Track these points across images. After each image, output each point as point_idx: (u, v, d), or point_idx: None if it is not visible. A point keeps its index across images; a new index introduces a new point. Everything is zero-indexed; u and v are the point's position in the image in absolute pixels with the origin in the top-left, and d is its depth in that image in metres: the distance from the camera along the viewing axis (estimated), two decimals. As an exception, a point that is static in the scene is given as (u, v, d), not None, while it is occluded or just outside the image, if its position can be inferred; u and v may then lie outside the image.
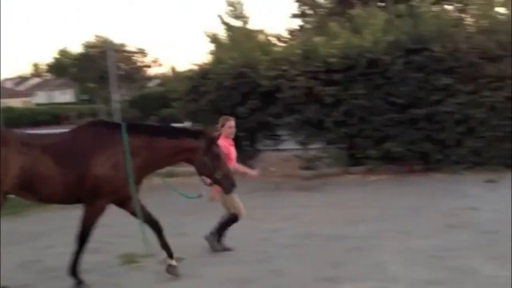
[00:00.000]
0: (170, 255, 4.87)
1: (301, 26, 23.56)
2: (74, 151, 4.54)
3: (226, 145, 5.52)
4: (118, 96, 22.25)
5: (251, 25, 20.61)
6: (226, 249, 5.69)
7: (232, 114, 7.54)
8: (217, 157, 4.78)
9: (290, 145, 11.55)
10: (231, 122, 5.75)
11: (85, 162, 4.47)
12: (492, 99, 9.71)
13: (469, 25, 10.28)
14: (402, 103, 10.01)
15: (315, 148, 11.09)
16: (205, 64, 11.98)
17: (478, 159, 9.87)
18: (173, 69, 15.51)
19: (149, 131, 4.87)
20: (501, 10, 10.91)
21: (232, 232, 5.76)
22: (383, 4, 11.14)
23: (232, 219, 5.68)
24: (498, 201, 7.55)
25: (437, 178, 9.68)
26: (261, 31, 15.90)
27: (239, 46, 11.56)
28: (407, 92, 9.97)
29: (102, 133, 4.70)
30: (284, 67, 10.39)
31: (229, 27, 18.95)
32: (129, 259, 5.48)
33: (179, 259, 5.01)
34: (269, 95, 10.43)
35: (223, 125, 5.68)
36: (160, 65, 43.98)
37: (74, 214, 4.84)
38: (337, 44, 10.40)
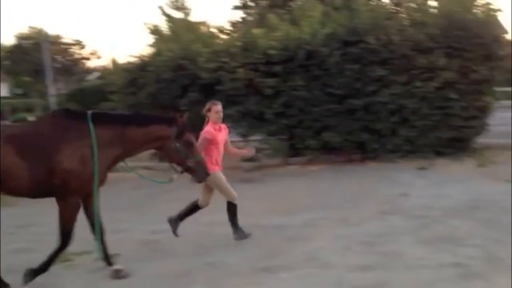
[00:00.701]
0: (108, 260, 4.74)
1: (243, 18, 23.55)
2: (38, 144, 4.30)
3: (211, 130, 5.53)
4: (54, 89, 21.42)
5: (193, 17, 20.37)
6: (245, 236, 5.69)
7: (172, 107, 7.52)
8: (189, 144, 4.71)
9: (231, 137, 11.52)
10: (218, 107, 5.64)
11: (51, 156, 4.26)
12: (424, 90, 10.12)
13: (402, 18, 10.60)
14: (340, 94, 10.26)
15: (256, 139, 11.17)
16: (144, 56, 11.77)
17: (411, 147, 10.27)
18: (113, 62, 15.06)
19: (118, 119, 4.68)
20: (432, 3, 11.34)
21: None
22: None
23: (231, 206, 5.70)
24: (428, 187, 7.93)
25: (374, 167, 10.02)
26: (203, 23, 15.74)
27: (178, 38, 11.41)
28: (344, 83, 10.21)
29: (67, 124, 4.43)
30: (224, 59, 10.36)
31: (170, 19, 18.64)
32: (63, 258, 5.31)
33: (115, 255, 4.91)
34: (210, 87, 10.38)
35: (209, 110, 5.62)
36: (99, 57, 42.77)
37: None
38: (276, 36, 10.48)
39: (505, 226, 5.61)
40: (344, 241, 5.47)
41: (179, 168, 4.82)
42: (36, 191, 4.38)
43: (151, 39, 13.31)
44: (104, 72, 32.03)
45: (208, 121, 5.65)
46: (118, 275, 4.69)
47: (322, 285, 4.34)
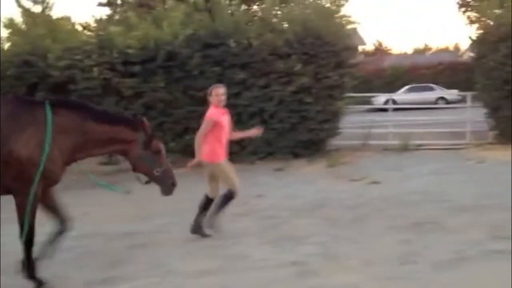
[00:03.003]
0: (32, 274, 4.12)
1: (109, 16, 22.55)
2: None
3: (217, 112, 5.43)
4: None
5: (54, 12, 19.00)
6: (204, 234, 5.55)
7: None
8: (157, 152, 4.35)
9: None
10: (219, 90, 5.55)
11: (5, 144, 3.79)
12: (281, 93, 10.49)
13: (262, 23, 10.88)
14: (201, 97, 10.18)
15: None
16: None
17: (270, 149, 10.59)
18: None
19: (80, 110, 4.17)
20: (290, 10, 11.81)
21: (6, 239, 5.11)
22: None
23: (229, 195, 5.58)
24: (282, 188, 8.19)
25: (236, 169, 10.08)
26: (65, 19, 14.70)
27: (27, 32, 10.48)
28: (205, 85, 10.08)
29: (21, 111, 3.95)
30: (77, 57, 9.73)
31: (24, 12, 17.17)
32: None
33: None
34: (61, 86, 9.66)
35: (210, 94, 5.56)
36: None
37: None
38: (135, 35, 10.12)
39: (345, 223, 5.96)
40: (192, 246, 5.37)
41: (143, 179, 4.48)
42: None
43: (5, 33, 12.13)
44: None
45: (209, 105, 5.59)
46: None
47: (161, 294, 4.18)
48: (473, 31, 13.36)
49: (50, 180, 4.08)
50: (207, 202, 5.69)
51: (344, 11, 11.35)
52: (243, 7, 12.47)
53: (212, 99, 5.57)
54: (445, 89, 26.08)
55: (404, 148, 11.58)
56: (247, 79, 10.44)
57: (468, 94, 13.35)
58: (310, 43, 10.53)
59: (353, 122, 12.40)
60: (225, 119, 5.60)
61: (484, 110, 12.33)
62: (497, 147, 11.36)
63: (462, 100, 13.58)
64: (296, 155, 10.54)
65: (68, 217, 4.42)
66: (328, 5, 11.79)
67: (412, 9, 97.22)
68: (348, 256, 4.80)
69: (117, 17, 21.41)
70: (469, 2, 22.87)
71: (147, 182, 4.56)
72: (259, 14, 11.50)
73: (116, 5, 22.54)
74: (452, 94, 24.21)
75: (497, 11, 13.83)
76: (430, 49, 49.02)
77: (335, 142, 11.42)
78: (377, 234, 5.46)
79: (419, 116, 14.89)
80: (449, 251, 4.72)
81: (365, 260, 4.64)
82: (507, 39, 11.52)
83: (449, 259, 4.55)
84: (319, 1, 11.81)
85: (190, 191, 8.36)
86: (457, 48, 44.36)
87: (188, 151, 10.33)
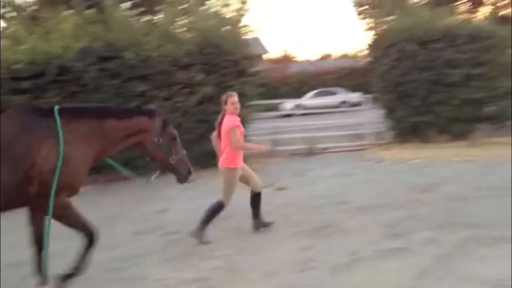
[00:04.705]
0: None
1: (4, 28, 21.02)
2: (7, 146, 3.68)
3: (236, 120, 5.54)
4: None
5: None
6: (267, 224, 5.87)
7: None
8: (173, 138, 4.38)
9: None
10: (233, 98, 5.61)
11: (26, 158, 3.72)
12: (185, 104, 10.31)
13: (161, 34, 10.64)
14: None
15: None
16: None
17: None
18: None
19: (92, 112, 4.15)
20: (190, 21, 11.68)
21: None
22: (75, 9, 10.62)
23: (218, 207, 5.68)
24: (188, 201, 8.00)
25: (139, 184, 9.73)
26: None
27: None
28: (103, 99, 9.71)
29: (35, 122, 3.85)
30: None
31: None
32: None
33: None
34: None
35: (225, 103, 5.61)
36: None
37: None
38: (23, 49, 9.45)
39: (250, 234, 5.92)
40: (88, 271, 5.02)
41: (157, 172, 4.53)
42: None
43: None
44: None
45: (224, 114, 5.64)
46: None
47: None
48: (369, 37, 14.10)
49: (74, 190, 4.09)
50: (255, 198, 5.90)
51: (244, 20, 11.43)
52: (143, 18, 12.13)
53: (228, 107, 5.64)
54: (348, 93, 27.31)
55: (310, 153, 11.88)
56: (148, 91, 10.14)
57: (368, 97, 14.03)
58: (211, 53, 10.48)
59: (261, 129, 12.50)
60: (241, 127, 5.75)
61: (382, 112, 13.01)
62: (395, 147, 12.02)
63: (365, 102, 14.22)
64: (205, 166, 10.40)
65: (95, 229, 4.32)
66: (228, 15, 11.83)
67: (315, 18, 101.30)
68: (250, 267, 4.74)
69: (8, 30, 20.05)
70: (366, 9, 24.14)
71: (163, 172, 4.60)
72: (159, 25, 11.21)
73: (6, 18, 21.09)
74: (355, 97, 25.38)
75: (388, 18, 14.74)
76: (332, 55, 51.13)
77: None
78: (280, 242, 5.47)
79: (324, 120, 15.38)
80: (347, 253, 4.83)
81: (266, 270, 4.61)
82: (397, 44, 12.26)
83: (347, 261, 4.64)
84: (219, 11, 11.82)
85: (92, 209, 7.91)
86: (357, 54, 46.72)
87: (96, 167, 9.84)
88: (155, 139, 4.32)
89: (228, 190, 5.70)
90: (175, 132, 4.52)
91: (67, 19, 9.93)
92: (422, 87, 12.03)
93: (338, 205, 6.79)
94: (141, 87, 10.02)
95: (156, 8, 13.76)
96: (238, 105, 5.70)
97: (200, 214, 7.06)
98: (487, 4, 22.78)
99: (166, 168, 4.54)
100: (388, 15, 15.25)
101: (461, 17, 18.76)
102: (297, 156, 11.77)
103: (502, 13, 21.72)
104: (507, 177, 7.78)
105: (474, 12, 21.78)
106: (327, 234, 5.53)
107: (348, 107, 23.39)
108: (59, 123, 3.90)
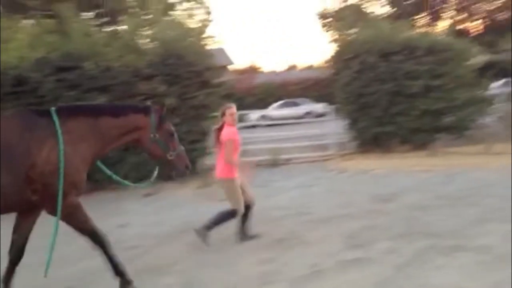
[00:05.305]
0: None
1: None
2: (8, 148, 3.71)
3: (233, 131, 5.54)
4: None
5: None
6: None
7: None
8: (170, 134, 4.36)
9: None
10: (232, 109, 5.63)
11: (25, 160, 3.77)
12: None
13: (122, 44, 10.47)
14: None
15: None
16: None
17: (139, 174, 10.11)
18: None
19: (89, 111, 4.19)
20: (152, 31, 11.57)
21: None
22: (31, 19, 10.36)
23: (232, 213, 5.67)
24: (149, 215, 7.84)
25: (100, 198, 9.50)
26: None
27: None
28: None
29: (34, 123, 3.88)
30: None
31: None
32: None
33: None
34: None
35: (224, 114, 5.62)
36: None
37: None
38: (-24, 60, 9.14)
39: (210, 247, 5.79)
40: (48, 286, 4.83)
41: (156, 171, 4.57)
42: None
43: None
44: None
45: (223, 125, 5.66)
46: None
47: None
48: (333, 49, 14.28)
49: (78, 190, 4.11)
50: (246, 209, 5.79)
51: (209, 31, 11.42)
52: (106, 28, 11.95)
53: (226, 118, 5.66)
54: (313, 104, 27.57)
55: (274, 164, 11.87)
56: (108, 102, 9.92)
57: (332, 108, 14.16)
58: (173, 63, 10.37)
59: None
60: (239, 137, 5.78)
61: (344, 122, 13.15)
62: (357, 157, 12.14)
63: (329, 113, 14.35)
64: (168, 178, 10.21)
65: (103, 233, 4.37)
66: (192, 25, 11.77)
67: (281, 29, 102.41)
68: (209, 282, 4.65)
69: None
70: (330, 21, 24.52)
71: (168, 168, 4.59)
72: (122, 35, 11.05)
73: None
74: (319, 108, 25.65)
75: (351, 30, 14.99)
76: (297, 67, 51.67)
77: (208, 162, 11.31)
78: (240, 255, 5.39)
79: (289, 131, 15.44)
80: (307, 265, 4.79)
81: (225, 285, 4.52)
82: (358, 56, 12.45)
83: (307, 273, 4.60)
84: (183, 22, 11.76)
85: (44, 226, 7.66)
86: (322, 65, 47.37)
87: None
88: (151, 135, 4.32)
89: (235, 198, 5.70)
90: (173, 128, 4.52)
91: (24, 29, 9.65)
92: (383, 98, 12.23)
93: (300, 216, 6.77)
94: (100, 98, 9.77)
95: (120, 18, 13.61)
96: (236, 116, 5.76)
97: (160, 228, 6.96)
98: (446, 18, 23.55)
99: (165, 164, 4.57)
100: (351, 27, 15.54)
101: (421, 30, 19.34)
102: (261, 167, 11.73)
103: (459, 27, 22.48)
104: (465, 186, 7.96)
105: (433, 26, 22.46)
106: (288, 246, 5.48)
107: (312, 117, 23.61)
108: (58, 124, 3.94)
